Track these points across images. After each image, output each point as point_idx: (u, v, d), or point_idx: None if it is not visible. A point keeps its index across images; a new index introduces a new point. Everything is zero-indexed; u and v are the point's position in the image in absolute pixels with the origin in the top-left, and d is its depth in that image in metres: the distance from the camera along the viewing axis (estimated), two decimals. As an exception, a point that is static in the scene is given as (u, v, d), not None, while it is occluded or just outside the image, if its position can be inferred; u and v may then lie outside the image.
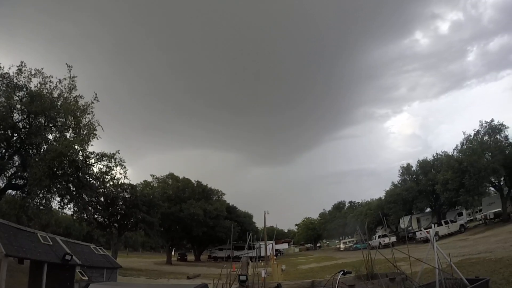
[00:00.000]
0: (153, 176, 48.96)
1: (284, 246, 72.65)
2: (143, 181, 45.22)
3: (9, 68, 18.91)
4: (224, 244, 45.28)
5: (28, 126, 19.43)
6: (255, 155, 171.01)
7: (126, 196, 31.38)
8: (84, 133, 21.14)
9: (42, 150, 19.80)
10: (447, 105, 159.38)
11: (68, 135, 20.75)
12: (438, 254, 7.71)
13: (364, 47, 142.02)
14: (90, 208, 26.90)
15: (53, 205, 21.05)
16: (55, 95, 20.41)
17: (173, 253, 52.85)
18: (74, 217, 27.47)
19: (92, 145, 21.57)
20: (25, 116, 19.40)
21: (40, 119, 19.70)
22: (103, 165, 22.78)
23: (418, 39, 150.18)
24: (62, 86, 20.65)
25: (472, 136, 33.70)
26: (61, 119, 20.47)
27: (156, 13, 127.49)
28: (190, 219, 44.35)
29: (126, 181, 28.35)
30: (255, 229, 55.82)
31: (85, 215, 26.89)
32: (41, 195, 19.72)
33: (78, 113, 21.00)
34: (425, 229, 34.75)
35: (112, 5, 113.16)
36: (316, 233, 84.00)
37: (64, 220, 45.46)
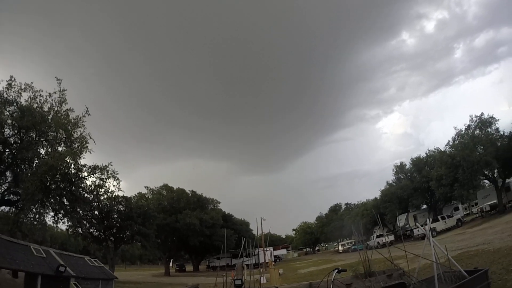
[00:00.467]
0: (147, 187, 48.68)
1: (283, 251, 72.30)
2: (138, 193, 44.87)
3: (-1, 83, 18.80)
4: (222, 253, 44.96)
5: (19, 141, 19.24)
6: (247, 163, 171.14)
7: (121, 208, 31.07)
8: (76, 146, 21.00)
9: (34, 164, 19.61)
10: (437, 102, 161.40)
11: (60, 148, 20.59)
12: (435, 249, 7.70)
13: (352, 51, 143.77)
14: (84, 222, 26.62)
15: (47, 220, 20.82)
16: (46, 109, 20.29)
17: (171, 264, 52.28)
18: (69, 232, 27.14)
19: (84, 157, 21.49)
20: (16, 131, 19.22)
21: (31, 134, 19.53)
22: (96, 178, 22.66)
23: (404, 39, 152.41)
24: (52, 100, 20.55)
25: (463, 131, 33.99)
26: (52, 133, 20.31)
27: (142, 26, 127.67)
28: (186, 229, 43.99)
29: (120, 193, 28.16)
30: (252, 236, 55.59)
31: (80, 230, 26.58)
32: (34, 210, 19.48)
33: (69, 127, 20.87)
34: (421, 225, 34.92)
35: (98, 20, 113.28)
36: (314, 237, 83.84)
37: (60, 236, 44.92)
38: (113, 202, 29.95)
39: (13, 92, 19.05)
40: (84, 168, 21.87)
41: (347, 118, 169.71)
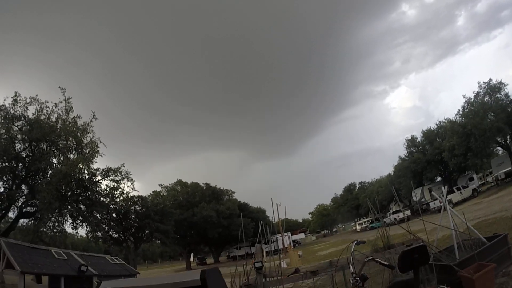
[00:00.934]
0: (162, 185, 49.08)
1: (301, 236, 72.77)
2: (153, 191, 45.31)
3: (4, 100, 19.11)
4: (241, 242, 45.42)
5: (31, 154, 19.59)
6: (259, 151, 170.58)
7: (138, 208, 31.53)
8: (87, 151, 21.29)
9: (48, 174, 19.94)
10: (444, 72, 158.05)
11: (71, 156, 20.90)
12: (453, 218, 7.67)
13: (352, 26, 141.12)
14: (103, 225, 27.06)
15: (66, 227, 21.24)
16: (53, 119, 20.59)
17: (192, 258, 53.01)
18: (89, 237, 27.62)
19: (96, 162, 21.81)
20: (26, 145, 19.58)
21: (42, 145, 19.86)
22: (110, 180, 22.96)
23: (404, 11, 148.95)
24: (58, 109, 20.85)
25: (472, 99, 33.42)
26: (62, 142, 20.61)
27: (139, 29, 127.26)
28: (204, 222, 44.45)
29: (135, 193, 28.55)
30: (269, 223, 55.98)
31: (99, 233, 27.04)
32: (53, 219, 19.90)
33: (78, 133, 21.15)
34: (437, 199, 34.62)
35: (93, 28, 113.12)
36: (330, 218, 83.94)
37: (81, 242, 45.83)
38: (129, 203, 30.37)
39: (19, 107, 19.38)
40: (98, 172, 22.15)
41: (354, 96, 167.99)
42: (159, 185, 49.11)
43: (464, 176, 40.38)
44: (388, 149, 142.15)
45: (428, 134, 44.37)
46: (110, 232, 29.96)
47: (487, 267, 5.16)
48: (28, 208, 20.80)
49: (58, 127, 20.43)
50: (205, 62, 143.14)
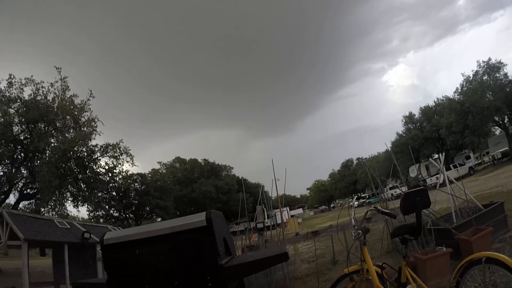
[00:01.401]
0: (160, 163, 49.31)
1: (299, 211, 73.62)
2: (152, 169, 45.58)
3: (-1, 83, 18.93)
4: (241, 218, 45.90)
5: (29, 136, 19.57)
6: (256, 128, 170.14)
7: (137, 186, 31.75)
8: (85, 129, 21.22)
9: (47, 154, 19.94)
10: (443, 52, 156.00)
11: (69, 136, 20.81)
12: (450, 185, 7.68)
13: (350, 4, 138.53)
14: (103, 204, 27.21)
15: (67, 207, 21.42)
16: (50, 98, 20.47)
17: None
18: (89, 216, 27.82)
19: (94, 139, 21.80)
20: (24, 127, 19.57)
21: (39, 126, 19.81)
22: (109, 157, 22.94)
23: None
24: (55, 89, 20.68)
25: (471, 77, 33.24)
26: (59, 121, 20.56)
27: (133, 4, 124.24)
28: (203, 198, 44.89)
29: (135, 169, 28.68)
30: (267, 197, 56.42)
31: (100, 212, 27.24)
32: (54, 198, 20.01)
33: (75, 112, 21.06)
34: (434, 175, 34.96)
35: (87, 9, 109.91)
36: (328, 194, 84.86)
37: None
38: (129, 181, 30.56)
39: (15, 89, 19.23)
40: (97, 149, 22.18)
41: (351, 74, 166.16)
42: (157, 162, 49.46)
43: (461, 154, 40.62)
44: (385, 127, 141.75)
45: (426, 111, 44.36)
46: (111, 211, 30.21)
47: (484, 230, 5.25)
48: (29, 190, 20.98)
49: (55, 106, 20.33)
50: (201, 39, 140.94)
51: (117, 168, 24.02)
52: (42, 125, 20.03)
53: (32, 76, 19.77)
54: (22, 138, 19.75)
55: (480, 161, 45.16)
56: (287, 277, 6.14)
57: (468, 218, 6.17)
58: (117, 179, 26.33)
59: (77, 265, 9.21)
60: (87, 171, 21.80)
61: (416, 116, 46.45)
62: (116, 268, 2.25)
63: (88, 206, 24.08)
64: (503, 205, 6.70)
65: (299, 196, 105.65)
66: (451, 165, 35.54)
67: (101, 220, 30.96)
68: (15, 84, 19.16)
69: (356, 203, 60.14)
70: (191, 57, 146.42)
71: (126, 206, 31.15)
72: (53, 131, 20.53)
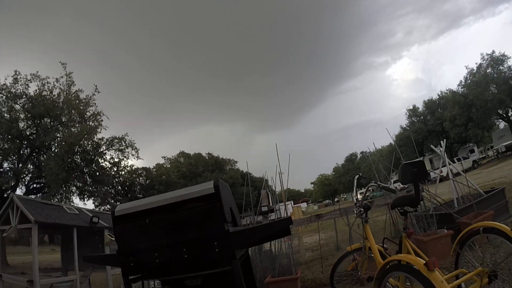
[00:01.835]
0: (165, 157, 49.53)
1: (303, 205, 73.75)
2: (156, 164, 45.78)
3: (5, 79, 19.11)
4: (245, 212, 46.18)
5: (35, 132, 19.76)
6: (259, 122, 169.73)
7: (142, 180, 31.91)
8: (91, 124, 21.41)
9: (53, 148, 20.14)
10: (447, 45, 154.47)
11: (75, 130, 20.99)
12: (450, 168, 7.72)
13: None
14: (109, 199, 27.35)
15: (73, 200, 21.65)
16: (55, 94, 20.67)
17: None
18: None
19: (100, 132, 21.97)
20: (30, 122, 19.75)
21: (45, 121, 20.02)
22: (115, 150, 23.10)
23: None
24: (60, 84, 20.86)
25: (475, 70, 33.15)
26: (65, 115, 20.74)
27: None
28: (207, 192, 44.94)
29: (140, 163, 28.82)
30: (272, 191, 56.57)
31: (106, 206, 27.45)
32: (61, 191, 20.22)
33: (81, 107, 21.24)
34: (437, 169, 34.80)
35: (91, 2, 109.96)
36: (332, 188, 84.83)
37: (89, 218, 46.71)
38: (134, 175, 30.69)
39: (20, 85, 19.39)
40: (102, 142, 22.35)
41: (354, 67, 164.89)
42: (162, 157, 49.59)
43: (465, 147, 40.47)
44: (389, 121, 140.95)
45: (430, 104, 44.26)
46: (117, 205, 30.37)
47: (486, 214, 5.34)
48: (35, 184, 21.22)
49: (61, 101, 20.53)
50: (205, 33, 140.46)
51: (122, 162, 24.24)
52: (48, 120, 20.24)
53: (37, 72, 20.00)
54: (28, 133, 19.94)
55: (484, 155, 45.03)
56: (292, 262, 6.25)
57: (469, 203, 6.25)
58: (122, 173, 26.49)
59: (85, 250, 9.41)
60: (93, 165, 21.98)
61: (420, 109, 46.35)
62: (127, 238, 2.37)
63: (94, 200, 24.26)
64: (504, 191, 6.77)
65: (303, 190, 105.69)
66: (455, 159, 35.37)
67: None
68: (21, 80, 19.36)
69: (360, 197, 60.32)
70: (198, 50, 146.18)
71: (131, 200, 31.31)
72: (59, 125, 20.72)
